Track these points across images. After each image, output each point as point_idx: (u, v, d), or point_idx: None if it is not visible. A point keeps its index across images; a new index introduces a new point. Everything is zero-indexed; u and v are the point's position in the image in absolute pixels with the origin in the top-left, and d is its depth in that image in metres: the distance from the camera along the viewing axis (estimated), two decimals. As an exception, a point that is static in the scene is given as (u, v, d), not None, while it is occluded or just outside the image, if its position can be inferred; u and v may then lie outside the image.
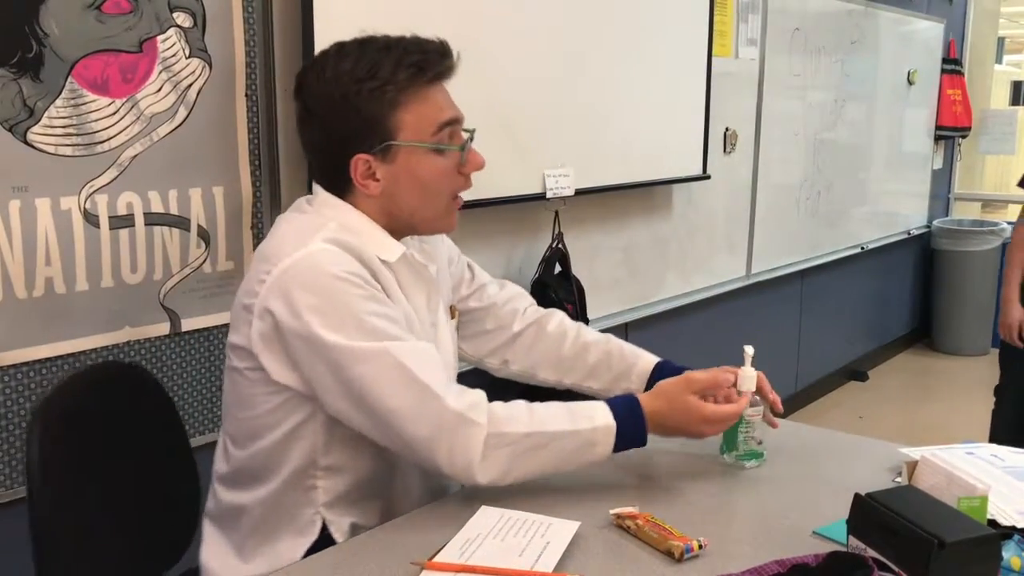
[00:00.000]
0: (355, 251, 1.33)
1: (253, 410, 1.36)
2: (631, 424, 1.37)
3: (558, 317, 1.69)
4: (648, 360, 1.63)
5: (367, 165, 1.37)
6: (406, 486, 1.44)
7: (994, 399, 3.46)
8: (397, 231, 1.42)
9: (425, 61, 1.37)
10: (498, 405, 1.32)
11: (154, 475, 1.56)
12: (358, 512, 1.40)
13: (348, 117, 1.35)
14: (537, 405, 1.35)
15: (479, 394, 1.32)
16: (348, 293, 1.28)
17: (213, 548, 1.45)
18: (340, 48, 1.39)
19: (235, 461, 1.41)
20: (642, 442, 1.38)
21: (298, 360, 1.30)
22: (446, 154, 1.40)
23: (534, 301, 1.72)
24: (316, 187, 1.44)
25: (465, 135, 1.43)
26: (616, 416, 1.36)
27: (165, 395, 1.62)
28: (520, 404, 1.34)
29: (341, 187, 1.41)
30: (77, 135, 1.75)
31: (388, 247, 1.39)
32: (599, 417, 1.35)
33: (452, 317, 1.57)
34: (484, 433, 1.28)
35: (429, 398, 1.27)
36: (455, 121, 1.41)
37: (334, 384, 1.29)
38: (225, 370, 1.42)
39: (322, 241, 1.31)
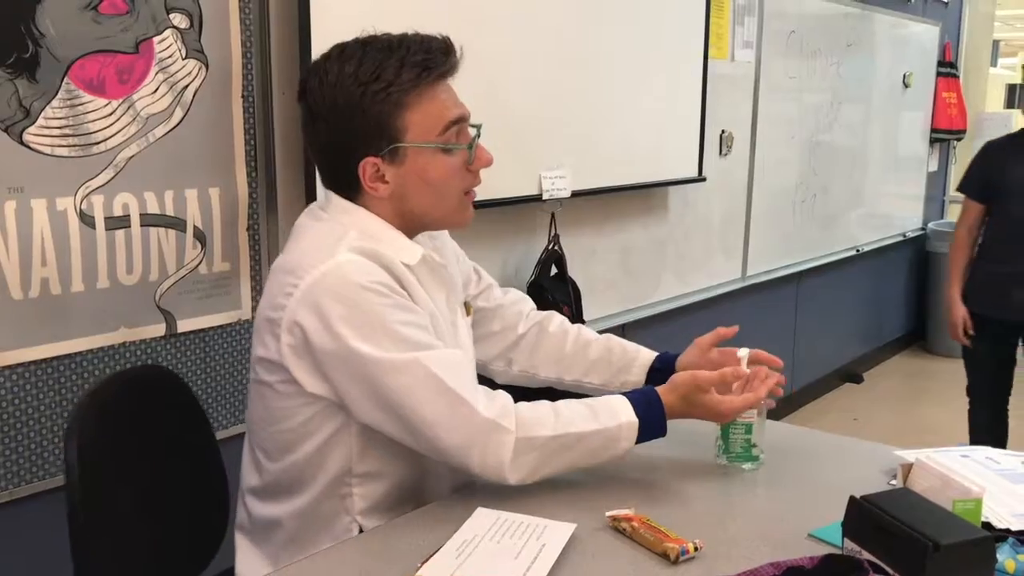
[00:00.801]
0: (379, 258, 1.33)
1: (286, 423, 1.35)
2: (651, 417, 1.40)
3: (558, 318, 1.70)
4: (648, 353, 1.66)
5: (375, 168, 1.37)
6: (438, 487, 1.45)
7: (968, 400, 3.52)
8: (410, 230, 1.42)
9: (429, 60, 1.36)
10: (524, 408, 1.34)
11: (185, 477, 1.57)
12: (393, 517, 1.39)
13: (354, 121, 1.35)
14: (561, 405, 1.37)
15: (506, 398, 1.34)
16: (378, 304, 1.29)
17: (248, 561, 1.44)
18: (342, 51, 1.37)
19: (268, 474, 1.40)
20: (663, 433, 1.42)
21: (329, 372, 1.30)
22: (454, 152, 1.39)
23: (535, 305, 1.73)
24: (328, 192, 1.43)
25: (472, 131, 1.42)
26: (637, 410, 1.38)
27: (195, 399, 1.62)
28: (544, 405, 1.36)
29: (351, 190, 1.40)
30: (73, 136, 1.75)
31: (408, 250, 1.39)
32: (622, 413, 1.38)
33: (468, 314, 1.57)
34: (514, 438, 1.31)
35: (461, 407, 1.29)
36: (462, 119, 1.40)
37: (367, 395, 1.30)
38: (250, 384, 1.41)
39: (347, 251, 1.31)
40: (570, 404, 1.38)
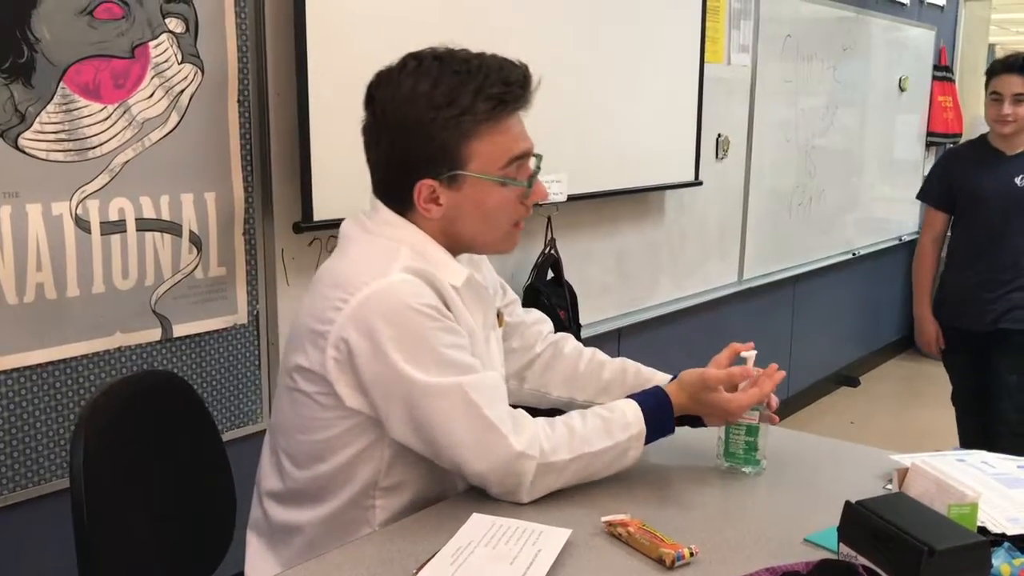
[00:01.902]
0: (430, 279, 1.33)
1: (320, 433, 1.35)
2: (661, 420, 1.44)
3: (573, 341, 1.71)
4: (663, 376, 1.64)
5: (431, 190, 1.35)
6: (454, 495, 1.45)
7: (954, 407, 3.48)
8: (454, 250, 1.42)
9: (507, 93, 1.34)
10: (543, 430, 1.35)
11: (193, 483, 1.57)
12: None
13: (420, 142, 1.33)
14: (576, 421, 1.39)
15: (531, 425, 1.35)
16: (427, 327, 1.29)
17: (259, 563, 1.44)
18: (418, 65, 1.33)
19: (293, 481, 1.40)
20: (671, 432, 1.47)
21: (370, 389, 1.30)
22: (512, 185, 1.39)
23: (552, 327, 1.73)
24: (375, 201, 1.42)
25: (533, 163, 1.41)
26: (648, 416, 1.42)
27: (202, 404, 1.61)
28: (560, 425, 1.38)
29: (401, 205, 1.38)
30: (69, 140, 1.75)
31: (455, 271, 1.38)
32: (634, 425, 1.41)
33: (500, 324, 1.56)
34: (535, 464, 1.33)
35: (494, 435, 1.31)
36: (527, 153, 1.40)
37: (405, 415, 1.30)
38: (282, 389, 1.40)
39: (401, 271, 1.31)
40: (585, 419, 1.40)
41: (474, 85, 1.32)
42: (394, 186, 1.38)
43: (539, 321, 1.70)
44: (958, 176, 3.22)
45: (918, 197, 3.46)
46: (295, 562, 1.37)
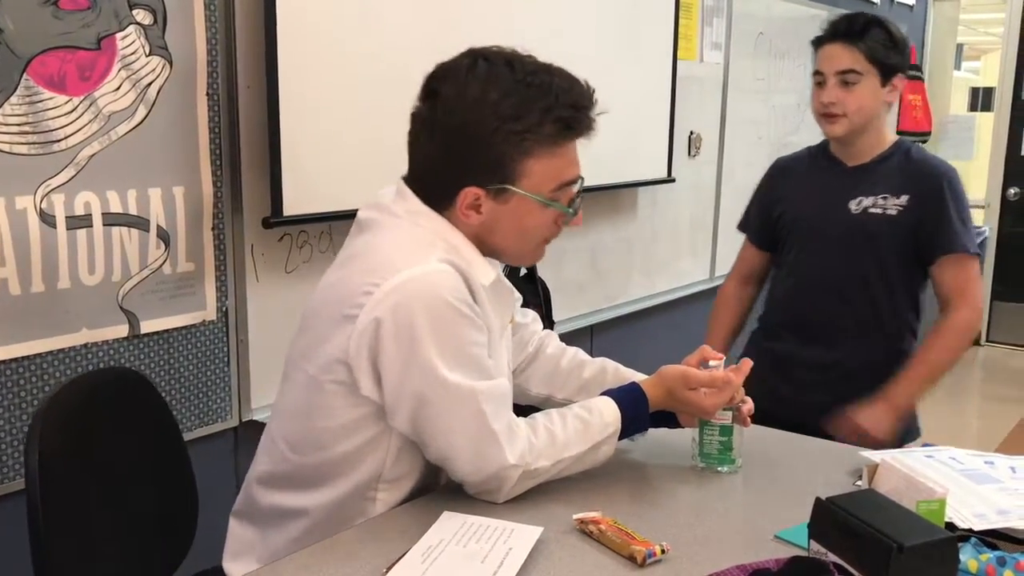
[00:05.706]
0: (464, 273, 1.31)
1: (328, 420, 1.33)
2: (636, 420, 1.46)
3: (556, 339, 1.70)
4: (643, 377, 1.62)
5: (476, 198, 1.33)
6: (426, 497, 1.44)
7: None
8: (482, 253, 1.40)
9: (575, 120, 1.33)
10: (525, 435, 1.35)
11: (153, 481, 1.54)
12: None
13: (476, 151, 1.30)
14: (556, 426, 1.39)
15: (522, 433, 1.35)
16: (459, 322, 1.28)
17: (242, 548, 1.42)
18: (489, 69, 1.30)
19: (292, 465, 1.37)
20: (646, 430, 1.50)
21: (386, 373, 1.28)
22: (555, 207, 1.37)
23: (542, 326, 1.72)
24: (402, 187, 1.38)
25: (576, 187, 1.39)
26: (625, 415, 1.43)
27: (162, 401, 1.59)
28: (543, 434, 1.38)
29: (439, 202, 1.36)
30: (33, 133, 1.71)
31: (484, 271, 1.37)
32: (611, 425, 1.42)
33: (511, 321, 1.55)
34: (519, 472, 1.34)
35: (493, 447, 1.31)
36: (576, 180, 1.39)
37: (413, 404, 1.29)
38: (292, 373, 1.37)
39: (438, 261, 1.29)
40: (565, 422, 1.40)
41: (544, 103, 1.30)
42: (438, 184, 1.35)
43: (534, 321, 1.70)
44: (780, 198, 2.29)
45: (739, 227, 2.47)
46: (283, 548, 1.36)
